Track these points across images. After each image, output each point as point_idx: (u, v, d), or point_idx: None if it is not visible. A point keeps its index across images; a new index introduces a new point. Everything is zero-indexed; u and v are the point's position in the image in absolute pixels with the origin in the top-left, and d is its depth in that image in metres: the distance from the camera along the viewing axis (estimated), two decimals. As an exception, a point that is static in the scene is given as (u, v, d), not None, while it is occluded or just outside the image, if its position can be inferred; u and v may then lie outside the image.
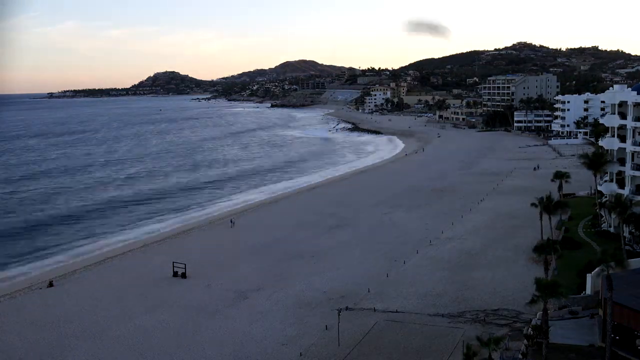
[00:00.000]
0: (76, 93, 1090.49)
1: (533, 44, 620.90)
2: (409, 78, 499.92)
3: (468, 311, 50.26)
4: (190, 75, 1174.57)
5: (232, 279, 63.19)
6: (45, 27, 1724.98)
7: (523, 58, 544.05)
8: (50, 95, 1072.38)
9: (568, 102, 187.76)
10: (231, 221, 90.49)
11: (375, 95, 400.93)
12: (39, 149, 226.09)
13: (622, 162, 68.88)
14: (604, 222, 70.66)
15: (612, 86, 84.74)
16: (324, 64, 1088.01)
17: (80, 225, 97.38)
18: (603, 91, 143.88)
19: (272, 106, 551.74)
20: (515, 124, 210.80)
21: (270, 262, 68.64)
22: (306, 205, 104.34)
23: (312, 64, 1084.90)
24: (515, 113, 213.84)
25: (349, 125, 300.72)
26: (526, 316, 46.98)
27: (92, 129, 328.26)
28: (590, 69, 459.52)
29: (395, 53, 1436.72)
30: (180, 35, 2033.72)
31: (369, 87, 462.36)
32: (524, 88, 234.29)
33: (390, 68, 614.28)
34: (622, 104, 68.59)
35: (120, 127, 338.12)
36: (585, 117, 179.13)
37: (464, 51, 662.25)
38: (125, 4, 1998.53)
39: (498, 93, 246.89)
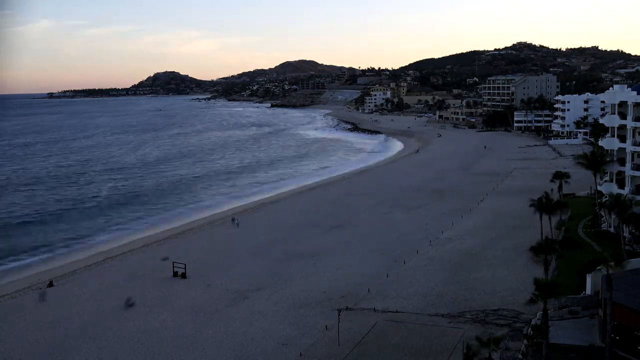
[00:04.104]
0: (76, 93, 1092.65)
1: (533, 44, 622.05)
2: (409, 78, 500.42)
3: (468, 311, 50.24)
4: (190, 76, 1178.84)
5: (232, 279, 63.21)
6: (21, 26, 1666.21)
7: (523, 58, 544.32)
8: (50, 95, 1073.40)
9: (568, 102, 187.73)
10: (232, 219, 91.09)
11: (375, 95, 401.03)
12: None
13: (622, 162, 68.88)
14: (604, 222, 70.64)
15: (612, 86, 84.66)
16: (324, 64, 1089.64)
17: (81, 225, 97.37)
18: (603, 91, 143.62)
19: (272, 106, 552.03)
20: (515, 124, 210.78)
21: (270, 262, 68.64)
22: (306, 205, 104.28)
23: (312, 64, 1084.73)
24: (515, 113, 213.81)
25: (349, 126, 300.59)
26: (526, 316, 46.98)
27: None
28: (590, 69, 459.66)
29: (395, 53, 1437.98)
30: (180, 36, 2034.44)
31: (369, 87, 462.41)
32: (524, 88, 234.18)
33: (390, 68, 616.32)
34: (622, 104, 68.58)
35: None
36: (585, 117, 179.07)
37: (464, 51, 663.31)
38: (110, 3, 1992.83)
39: (498, 93, 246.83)
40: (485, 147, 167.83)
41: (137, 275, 66.35)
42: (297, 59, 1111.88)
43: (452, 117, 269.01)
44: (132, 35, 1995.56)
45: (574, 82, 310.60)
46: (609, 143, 71.13)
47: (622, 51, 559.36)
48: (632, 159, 67.10)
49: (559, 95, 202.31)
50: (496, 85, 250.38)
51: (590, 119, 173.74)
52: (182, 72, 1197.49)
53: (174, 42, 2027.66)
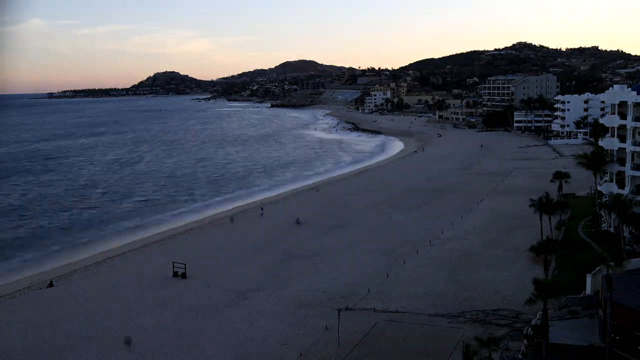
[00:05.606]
0: (76, 93, 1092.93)
1: (533, 44, 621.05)
2: (409, 78, 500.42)
3: (468, 311, 50.26)
4: (190, 76, 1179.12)
5: (232, 279, 63.20)
6: (11, 26, 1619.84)
7: (523, 58, 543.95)
8: (50, 96, 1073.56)
9: (568, 102, 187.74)
10: (261, 208, 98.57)
11: (375, 95, 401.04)
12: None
13: (622, 162, 68.89)
14: (604, 222, 70.66)
15: (612, 86, 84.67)
16: (324, 64, 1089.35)
17: (80, 225, 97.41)
18: (603, 91, 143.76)
19: (272, 106, 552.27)
20: (515, 124, 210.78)
21: (270, 262, 68.64)
22: (306, 205, 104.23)
23: (312, 64, 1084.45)
24: (515, 113, 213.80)
25: (349, 126, 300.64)
26: (526, 316, 47.00)
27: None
28: (590, 69, 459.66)
29: (395, 53, 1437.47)
30: (178, 36, 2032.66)
31: (369, 87, 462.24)
32: (524, 88, 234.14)
33: (390, 68, 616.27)
34: (622, 104, 68.60)
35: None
36: (585, 117, 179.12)
37: (464, 51, 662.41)
38: (100, 3, 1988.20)
39: (498, 93, 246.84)
40: (482, 145, 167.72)
41: (137, 275, 66.37)
42: (297, 59, 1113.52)
43: (452, 117, 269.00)
44: (128, 35, 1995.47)
45: (574, 82, 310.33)
46: (609, 143, 71.15)
47: (622, 51, 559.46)
48: (632, 159, 67.10)
49: (559, 95, 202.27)
50: (496, 86, 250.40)
51: (590, 119, 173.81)
52: (182, 72, 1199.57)
53: (172, 42, 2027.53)
